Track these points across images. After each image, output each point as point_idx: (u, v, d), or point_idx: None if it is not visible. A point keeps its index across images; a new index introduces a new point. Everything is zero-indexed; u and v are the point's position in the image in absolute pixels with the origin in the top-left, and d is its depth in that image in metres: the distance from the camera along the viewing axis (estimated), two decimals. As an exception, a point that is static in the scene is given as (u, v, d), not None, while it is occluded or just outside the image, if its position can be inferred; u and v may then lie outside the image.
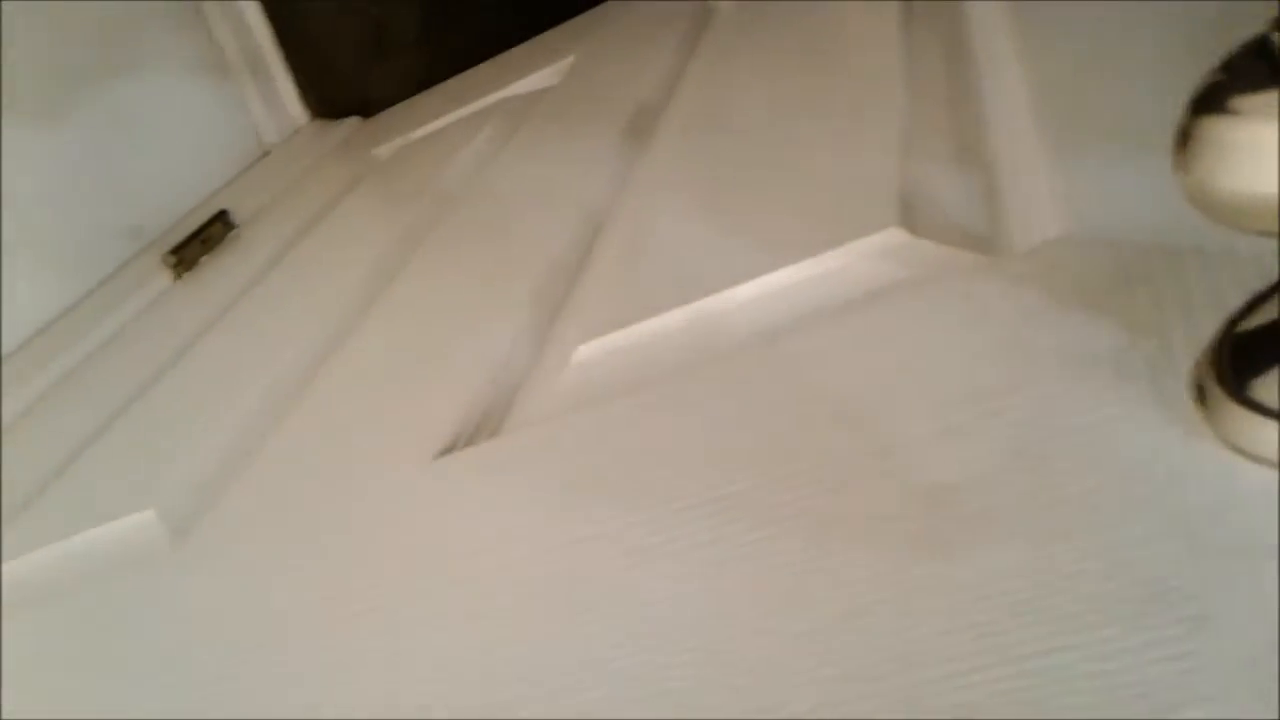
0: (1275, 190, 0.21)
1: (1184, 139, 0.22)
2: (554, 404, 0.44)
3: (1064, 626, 0.23)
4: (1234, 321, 0.27)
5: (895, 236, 0.39)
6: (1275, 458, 0.24)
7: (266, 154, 1.18)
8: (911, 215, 0.40)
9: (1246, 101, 0.21)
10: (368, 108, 1.21)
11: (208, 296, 0.85)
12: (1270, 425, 0.24)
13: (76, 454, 0.65)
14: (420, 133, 1.01)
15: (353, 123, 1.19)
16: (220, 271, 0.92)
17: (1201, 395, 0.26)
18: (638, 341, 0.44)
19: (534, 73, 0.97)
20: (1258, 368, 0.25)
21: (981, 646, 0.23)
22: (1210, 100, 0.22)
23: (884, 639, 0.25)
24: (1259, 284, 0.27)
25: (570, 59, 0.95)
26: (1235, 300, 0.27)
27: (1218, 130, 0.22)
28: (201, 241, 1.00)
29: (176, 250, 0.97)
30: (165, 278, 0.96)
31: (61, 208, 0.96)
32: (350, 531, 0.43)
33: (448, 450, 0.44)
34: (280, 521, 0.46)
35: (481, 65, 1.13)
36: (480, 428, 0.46)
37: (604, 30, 0.98)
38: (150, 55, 1.09)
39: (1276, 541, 0.22)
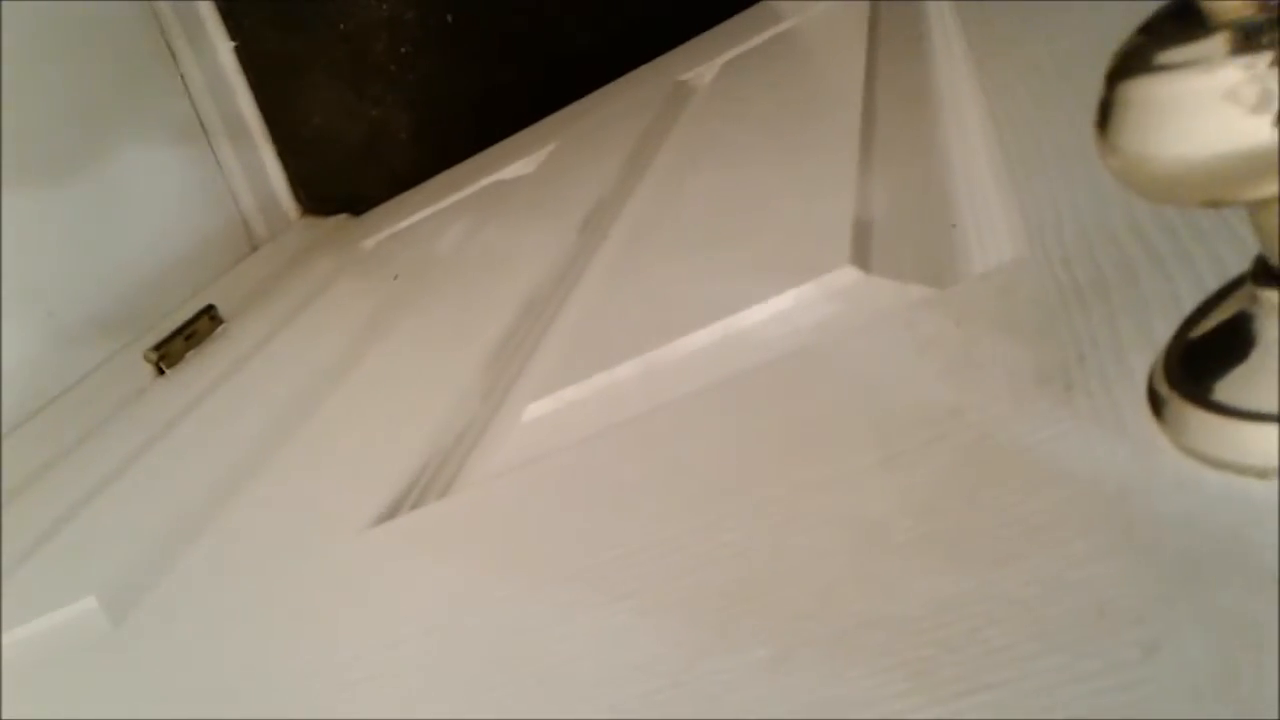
0: (1221, 148, 0.19)
1: (1106, 111, 0.20)
2: (503, 462, 0.42)
3: (1002, 658, 0.20)
4: (1188, 325, 0.25)
5: (847, 275, 0.37)
6: (1240, 459, 0.21)
7: (256, 249, 1.18)
8: (864, 253, 0.38)
9: (1174, 54, 0.19)
10: (358, 204, 1.21)
11: (187, 390, 0.83)
12: (1233, 426, 0.21)
13: (34, 548, 0.62)
14: (405, 224, 1.01)
15: (342, 219, 1.20)
16: (203, 365, 0.91)
17: (1157, 404, 0.23)
18: (588, 396, 0.42)
19: (518, 160, 0.97)
20: (1217, 369, 0.23)
21: (913, 686, 0.21)
22: (1132, 62, 0.20)
23: (811, 684, 0.22)
24: (1217, 286, 0.25)
25: (552, 146, 0.95)
26: (1194, 306, 0.25)
27: (1145, 90, 0.19)
28: (186, 337, 0.99)
29: (160, 346, 0.96)
30: (147, 373, 0.94)
31: (47, 302, 0.95)
32: (285, 603, 0.40)
33: (389, 516, 0.42)
34: (217, 598, 0.44)
35: (472, 157, 1.14)
36: (428, 490, 0.44)
37: (586, 118, 0.98)
38: (143, 151, 1.10)
39: (1235, 552, 0.19)
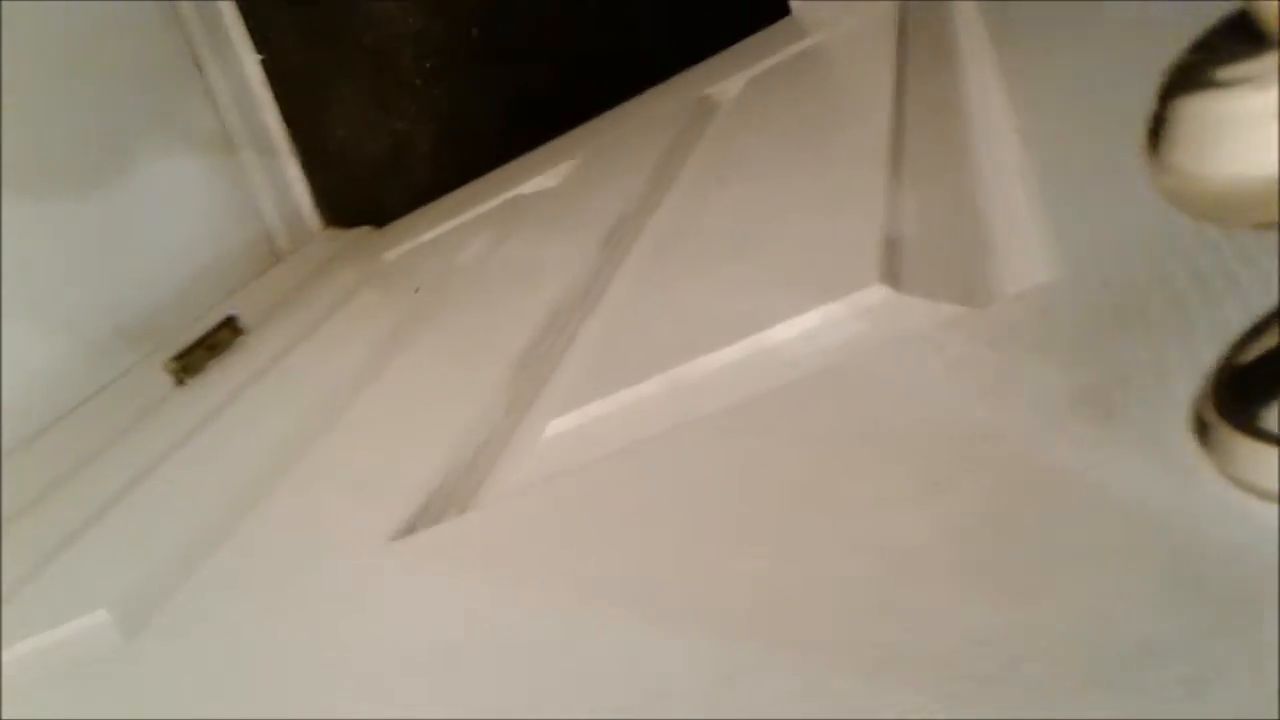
0: (1275, 169, 0.18)
1: (1158, 127, 0.20)
2: (524, 478, 0.41)
3: (1041, 695, 0.19)
4: (1236, 350, 0.24)
5: (877, 293, 0.37)
6: (1287, 493, 0.20)
7: (279, 261, 1.18)
8: (894, 271, 0.38)
9: (1229, 71, 0.18)
10: (381, 217, 1.21)
11: (207, 400, 0.83)
12: (1276, 457, 0.20)
13: (50, 557, 0.62)
14: (427, 236, 1.00)
15: (365, 231, 1.20)
16: (224, 376, 0.90)
17: (1203, 431, 0.23)
18: (612, 412, 0.41)
19: (540, 174, 0.97)
20: (1266, 397, 0.22)
21: (950, 721, 0.20)
22: (1187, 80, 0.19)
23: (841, 713, 0.21)
24: (1264, 310, 0.24)
25: (576, 159, 0.94)
26: (1239, 330, 0.24)
27: (1201, 107, 0.19)
28: (208, 348, 0.99)
29: (181, 356, 0.96)
30: (168, 383, 0.94)
31: (69, 311, 0.95)
32: (301, 619, 0.40)
33: (408, 531, 0.41)
34: (233, 613, 0.43)
35: (495, 170, 1.13)
36: (448, 505, 0.43)
37: (610, 132, 0.98)
38: (167, 163, 1.10)
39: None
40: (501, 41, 1.12)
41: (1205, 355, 0.24)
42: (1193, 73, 0.19)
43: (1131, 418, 0.24)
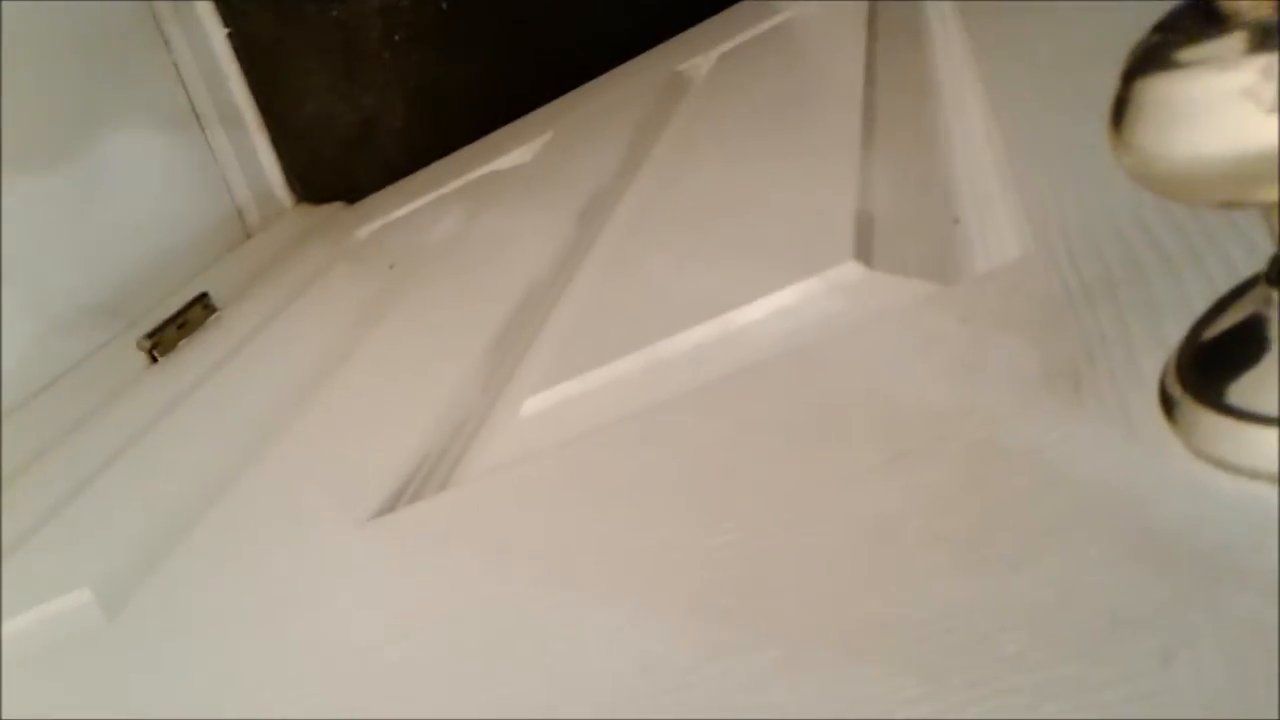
0: (1238, 148, 0.18)
1: (1121, 108, 0.20)
2: (501, 457, 0.42)
3: (1014, 665, 0.20)
4: (1201, 326, 0.24)
5: (851, 270, 0.37)
6: (1255, 464, 0.21)
7: (250, 238, 1.18)
8: (867, 248, 0.38)
9: (1192, 53, 0.19)
10: (353, 193, 1.20)
11: (180, 379, 0.83)
12: (1247, 430, 0.21)
13: (25, 538, 0.62)
14: (400, 212, 1.00)
15: (336, 207, 1.19)
16: (196, 354, 0.90)
17: (1169, 406, 0.23)
18: (589, 390, 0.41)
19: (514, 150, 0.96)
20: (1230, 372, 0.22)
21: (924, 692, 0.20)
22: (1149, 60, 0.20)
23: (821, 686, 0.22)
24: (1228, 287, 0.25)
25: (548, 135, 0.94)
26: (1204, 306, 0.25)
27: (1163, 88, 0.19)
28: (179, 325, 0.98)
29: (153, 334, 0.95)
30: (140, 362, 0.94)
31: (39, 289, 0.94)
32: (282, 598, 0.40)
33: (387, 509, 0.42)
34: (214, 592, 0.43)
35: (467, 146, 1.13)
36: (427, 484, 0.43)
37: (582, 108, 0.98)
38: (135, 139, 1.09)
39: (1250, 559, 0.19)
40: (472, 16, 1.11)
41: (1171, 332, 0.25)
42: (1155, 53, 0.19)
43: (1100, 393, 0.25)
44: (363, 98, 1.18)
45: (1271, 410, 0.20)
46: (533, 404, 0.43)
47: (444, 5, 1.11)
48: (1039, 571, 0.21)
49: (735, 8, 0.98)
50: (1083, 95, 0.39)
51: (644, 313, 0.45)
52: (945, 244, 0.38)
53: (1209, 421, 0.22)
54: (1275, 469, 0.20)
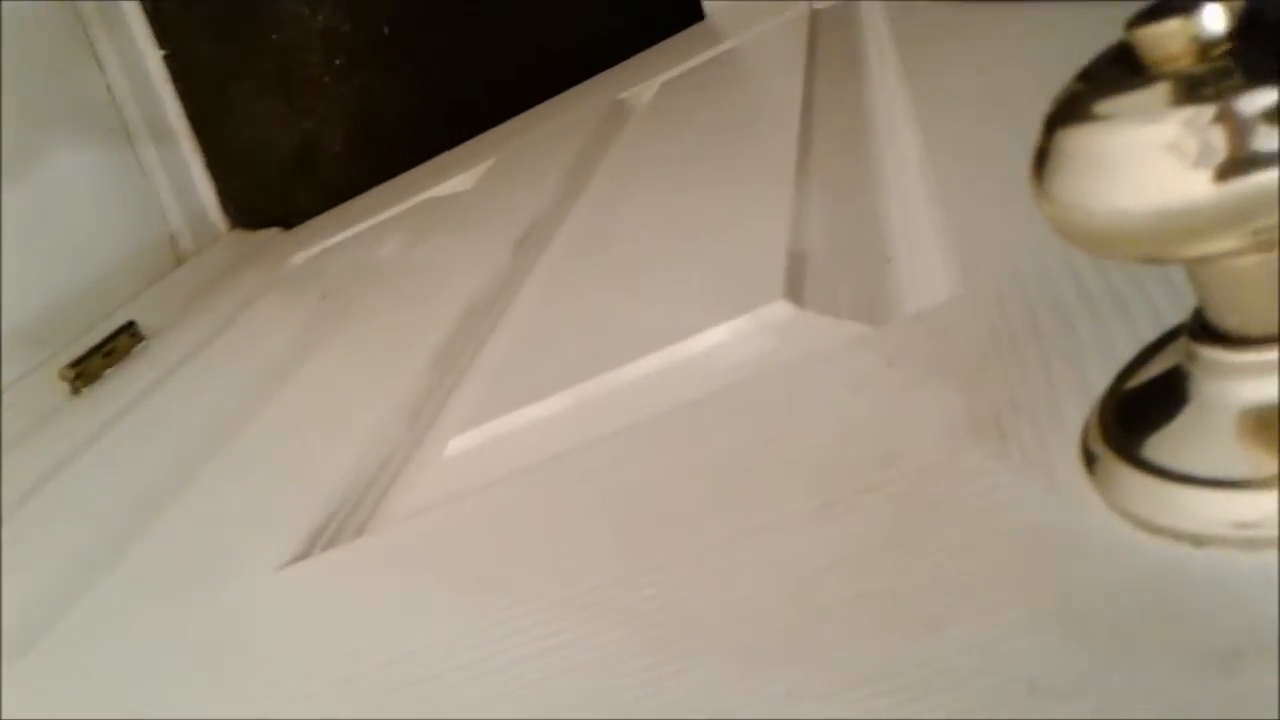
0: (1160, 203, 0.18)
1: (1043, 158, 0.20)
2: (422, 500, 0.40)
3: (933, 733, 0.19)
4: (1124, 376, 0.24)
5: (781, 309, 0.37)
6: (1174, 524, 0.20)
7: (182, 264, 1.15)
8: (799, 287, 0.38)
9: (1114, 104, 0.18)
10: (290, 218, 1.18)
11: (103, 410, 0.80)
12: (1165, 488, 0.21)
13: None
14: (336, 239, 0.98)
15: (272, 233, 1.17)
16: (121, 385, 0.87)
17: (1090, 460, 0.23)
18: (516, 429, 0.40)
19: (454, 176, 0.95)
20: (1149, 426, 0.22)
21: (842, 761, 0.20)
22: (1071, 110, 0.19)
23: (734, 755, 0.21)
24: (1154, 335, 0.25)
25: (490, 161, 0.93)
26: (1131, 355, 0.25)
27: (1084, 139, 0.19)
28: (105, 354, 0.96)
29: (76, 364, 0.93)
30: (62, 392, 0.91)
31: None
32: (193, 647, 0.38)
33: (301, 556, 0.40)
34: (119, 639, 0.41)
35: (407, 171, 1.11)
36: (344, 528, 0.42)
37: (525, 134, 0.97)
38: (64, 162, 1.06)
39: (1169, 627, 0.18)
40: (413, 41, 1.10)
41: (1096, 380, 0.24)
42: (1077, 103, 0.19)
43: (1023, 444, 0.24)
44: (302, 121, 1.16)
45: (1188, 468, 0.20)
46: (458, 443, 0.41)
47: (385, 29, 1.10)
48: (959, 634, 0.21)
49: (680, 35, 0.98)
50: (1018, 132, 0.38)
51: (576, 348, 0.44)
52: (877, 284, 0.37)
53: (1127, 478, 0.21)
54: (1194, 529, 0.19)
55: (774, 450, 0.30)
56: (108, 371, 0.93)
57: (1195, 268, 0.20)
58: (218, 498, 0.51)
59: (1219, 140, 0.17)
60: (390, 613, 0.33)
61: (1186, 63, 0.18)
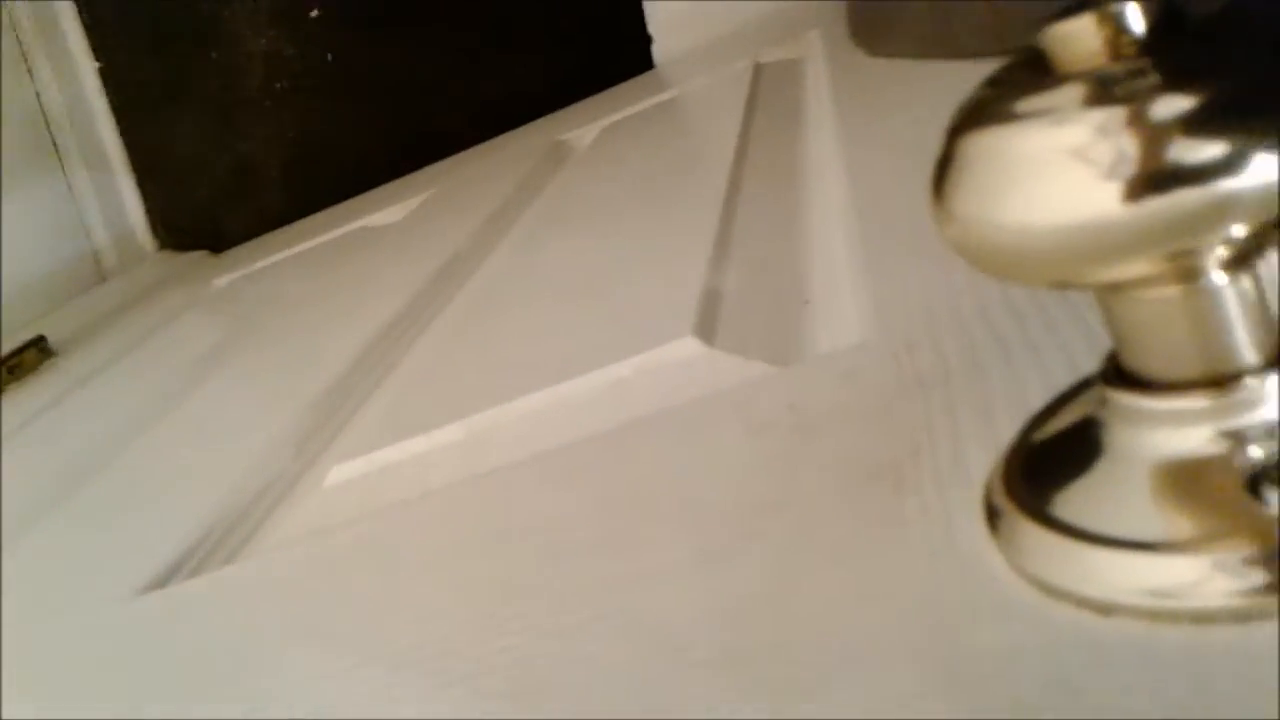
0: (1067, 218, 0.16)
1: (944, 168, 0.18)
2: (295, 530, 0.37)
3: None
4: (1033, 426, 0.22)
5: (688, 346, 0.34)
6: (1080, 589, 0.18)
7: (103, 282, 1.11)
8: (710, 325, 0.35)
9: (1020, 106, 0.16)
10: (221, 242, 1.14)
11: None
12: (1072, 549, 0.18)
13: None
14: (263, 263, 0.95)
15: (200, 255, 1.13)
16: (21, 400, 0.83)
17: (993, 515, 0.20)
18: (402, 460, 0.38)
19: (389, 207, 0.93)
20: (1058, 481, 0.20)
21: (687, 844, 0.17)
22: (977, 114, 0.17)
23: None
24: (1068, 382, 0.23)
25: (425, 195, 0.91)
26: (1042, 403, 0.22)
27: (985, 145, 0.17)
28: (10, 369, 0.91)
29: (-25, 377, 0.88)
30: (-44, 405, 0.86)
31: None
32: (35, 680, 0.34)
33: (161, 583, 0.37)
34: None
35: (344, 202, 1.09)
36: (213, 555, 0.39)
37: (464, 170, 0.95)
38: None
39: (1069, 703, 0.16)
40: (359, 70, 1.08)
41: (1005, 430, 0.22)
42: (980, 108, 0.17)
43: (922, 495, 0.22)
44: (239, 144, 1.13)
45: (1098, 527, 0.18)
46: (339, 472, 0.38)
47: (329, 57, 1.08)
48: (837, 702, 0.18)
49: (627, 83, 0.97)
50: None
51: (474, 380, 0.41)
52: (792, 325, 0.35)
53: (1031, 536, 0.19)
54: (1102, 595, 0.17)
55: (660, 492, 0.28)
56: (12, 386, 0.88)
57: (1110, 300, 0.18)
58: (87, 521, 0.47)
59: (1132, 149, 0.15)
60: (240, 653, 0.30)
61: (1100, 64, 0.16)
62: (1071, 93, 0.16)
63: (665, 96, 0.83)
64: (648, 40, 0.98)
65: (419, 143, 1.06)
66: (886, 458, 0.23)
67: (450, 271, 0.61)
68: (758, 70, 0.75)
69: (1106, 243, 0.16)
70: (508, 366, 0.41)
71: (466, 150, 1.05)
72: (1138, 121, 0.15)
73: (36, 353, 0.94)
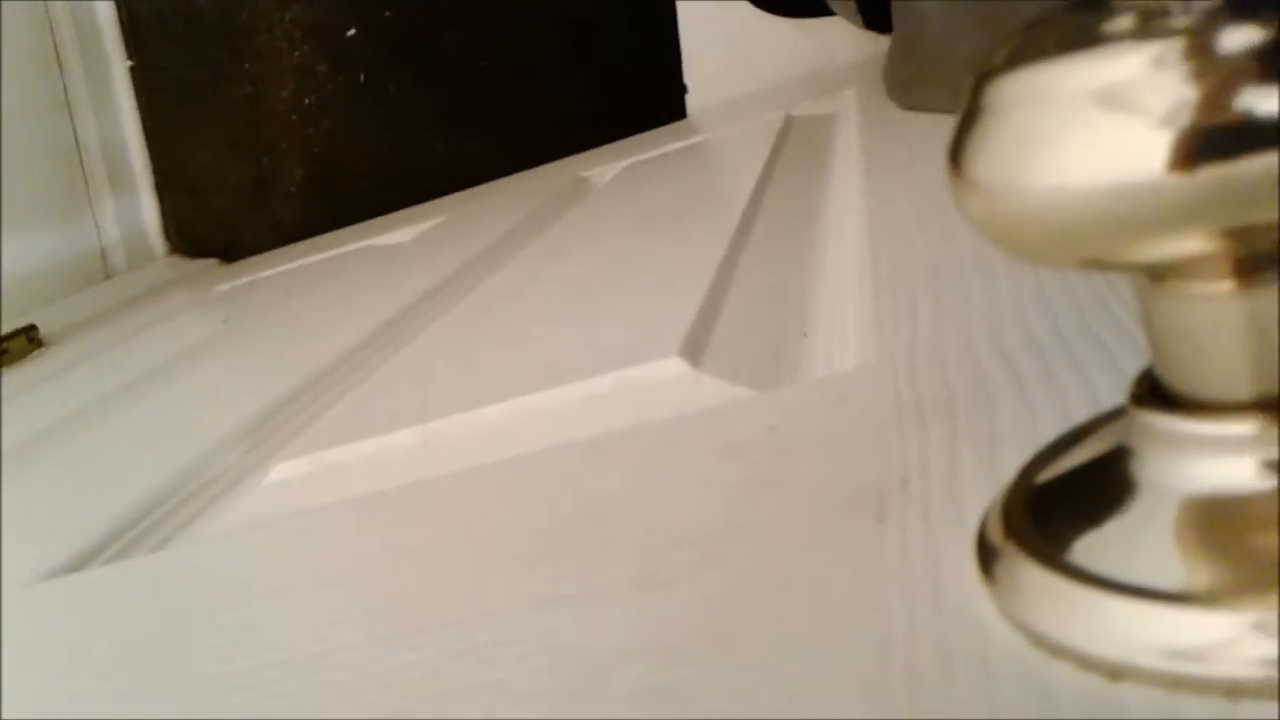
0: (1105, 175, 0.13)
1: (965, 127, 0.15)
2: (226, 524, 0.34)
3: None
4: (1041, 460, 0.19)
5: (672, 366, 0.31)
6: (1097, 649, 0.15)
7: (109, 279, 1.09)
8: (698, 348, 0.33)
9: (1073, 37, 0.13)
10: (234, 251, 1.13)
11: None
12: (1089, 598, 0.15)
13: None
14: (267, 274, 0.93)
15: (209, 263, 1.11)
16: (5, 386, 0.81)
17: (988, 557, 0.17)
18: (346, 461, 0.35)
19: (401, 229, 0.91)
20: (1069, 517, 0.17)
21: None
22: (1003, 61, 0.14)
23: None
24: (1082, 418, 0.19)
25: (438, 220, 0.89)
26: (1049, 438, 0.19)
27: (1020, 87, 0.14)
28: (-2, 355, 0.89)
29: (-43, 360, 0.86)
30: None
31: None
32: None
33: (74, 568, 0.34)
34: None
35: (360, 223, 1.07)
36: (137, 544, 0.36)
37: (482, 199, 0.93)
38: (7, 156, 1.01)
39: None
40: (388, 94, 1.07)
41: (1009, 468, 0.19)
42: (1020, 49, 0.14)
43: (906, 530, 0.19)
44: (261, 156, 1.12)
45: (1113, 571, 0.15)
46: (283, 470, 0.35)
47: (362, 77, 1.07)
48: (772, 755, 0.15)
49: (659, 130, 0.96)
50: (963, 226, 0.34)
51: (443, 386, 0.38)
52: (785, 354, 0.32)
53: (1030, 580, 0.16)
54: (1110, 654, 0.14)
55: (615, 510, 0.24)
56: (-4, 372, 0.86)
57: (1150, 295, 0.15)
58: (16, 504, 0.44)
59: (1192, 92, 0.12)
60: (124, 644, 0.27)
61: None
62: (1118, 23, 0.13)
63: (694, 140, 0.81)
64: (682, 89, 0.97)
65: (442, 170, 1.05)
66: (871, 487, 0.20)
67: (447, 288, 0.59)
68: (788, 121, 0.73)
69: (1154, 209, 0.13)
70: (480, 376, 0.38)
71: (485, 184, 1.03)
72: (1199, 55, 0.12)
73: (25, 341, 0.92)
